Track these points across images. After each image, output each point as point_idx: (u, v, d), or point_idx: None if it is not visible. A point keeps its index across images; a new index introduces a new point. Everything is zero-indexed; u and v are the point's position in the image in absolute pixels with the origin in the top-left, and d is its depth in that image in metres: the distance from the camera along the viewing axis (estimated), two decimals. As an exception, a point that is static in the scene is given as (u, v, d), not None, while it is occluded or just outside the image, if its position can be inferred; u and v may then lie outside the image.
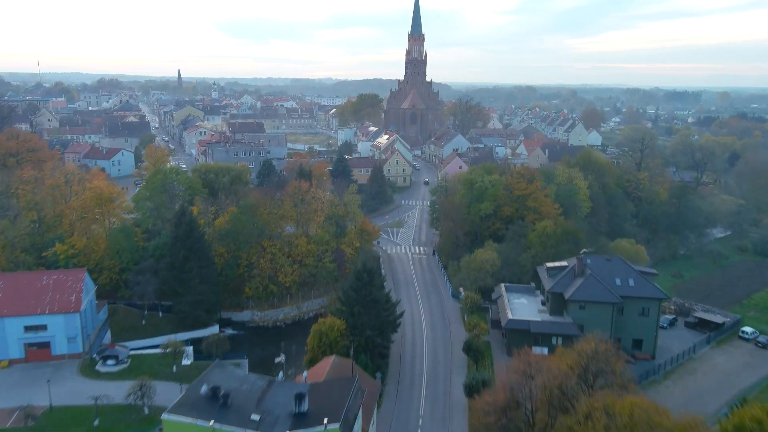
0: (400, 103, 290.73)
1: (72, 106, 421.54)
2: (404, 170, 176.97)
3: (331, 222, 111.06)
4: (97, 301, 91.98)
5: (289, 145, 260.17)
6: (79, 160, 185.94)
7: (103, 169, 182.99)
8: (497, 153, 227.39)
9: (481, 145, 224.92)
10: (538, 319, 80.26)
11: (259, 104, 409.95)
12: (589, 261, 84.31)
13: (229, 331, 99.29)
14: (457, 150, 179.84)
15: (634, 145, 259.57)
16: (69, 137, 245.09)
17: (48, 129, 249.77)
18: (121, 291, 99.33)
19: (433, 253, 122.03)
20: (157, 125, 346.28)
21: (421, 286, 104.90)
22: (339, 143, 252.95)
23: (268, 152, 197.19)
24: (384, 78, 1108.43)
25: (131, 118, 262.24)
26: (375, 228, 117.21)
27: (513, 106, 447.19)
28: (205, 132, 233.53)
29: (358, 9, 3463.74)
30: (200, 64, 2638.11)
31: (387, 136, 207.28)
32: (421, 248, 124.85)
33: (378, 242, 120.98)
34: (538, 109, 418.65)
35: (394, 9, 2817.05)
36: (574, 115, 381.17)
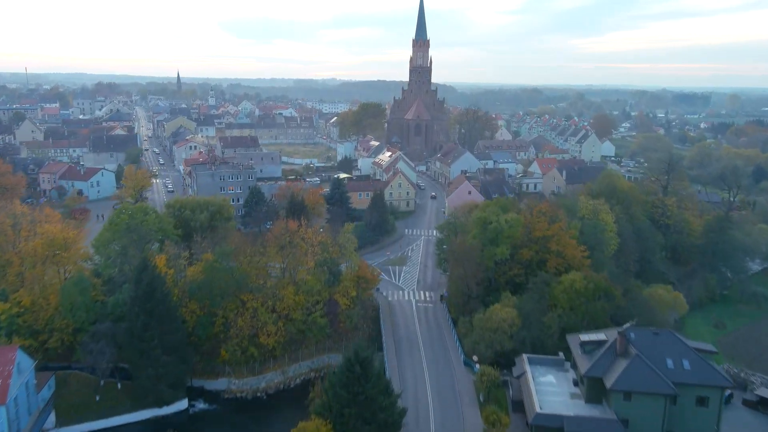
0: (404, 112, 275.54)
1: (65, 112, 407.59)
2: (408, 193, 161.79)
3: (323, 268, 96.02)
4: (40, 373, 77.60)
5: (285, 159, 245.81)
6: (54, 182, 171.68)
7: (80, 192, 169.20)
8: (507, 170, 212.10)
9: (491, 162, 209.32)
10: (572, 413, 64.91)
11: (257, 112, 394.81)
12: (633, 335, 69.01)
13: (201, 406, 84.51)
14: (465, 172, 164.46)
15: (657, 164, 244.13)
16: (51, 152, 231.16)
17: (29, 143, 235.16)
18: (76, 354, 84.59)
19: (441, 299, 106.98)
20: (150, 134, 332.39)
21: (427, 347, 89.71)
22: (339, 157, 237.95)
23: (261, 171, 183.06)
24: (388, 79, 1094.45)
25: (118, 130, 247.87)
26: (374, 273, 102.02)
27: (521, 113, 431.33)
28: (195, 147, 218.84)
29: (362, 9, 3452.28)
30: (203, 64, 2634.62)
31: (389, 153, 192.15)
32: (427, 293, 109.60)
33: (378, 289, 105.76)
34: (547, 116, 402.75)
35: (398, 9, 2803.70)
36: (585, 124, 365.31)
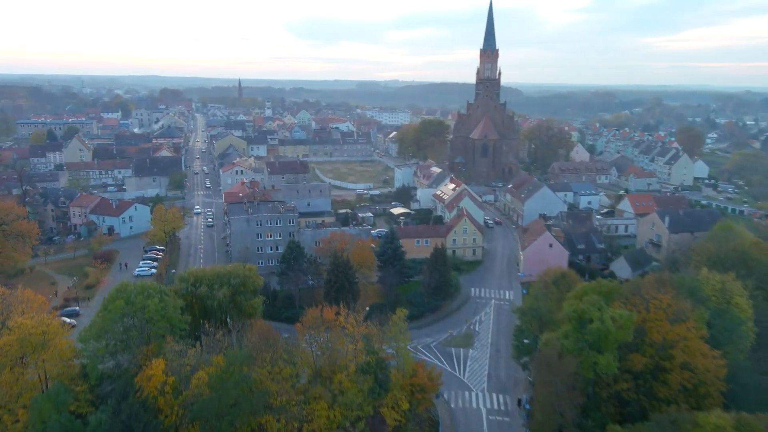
0: (469, 130, 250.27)
1: (125, 122, 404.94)
2: (474, 239, 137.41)
3: (367, 375, 73.76)
4: None
5: (337, 183, 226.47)
6: (85, 216, 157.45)
7: (111, 229, 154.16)
8: (591, 205, 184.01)
9: (570, 195, 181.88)
10: None
11: (313, 125, 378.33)
12: None
13: None
14: (545, 217, 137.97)
15: (762, 191, 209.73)
16: (95, 174, 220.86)
17: (73, 164, 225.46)
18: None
19: (518, 404, 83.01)
20: (204, 149, 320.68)
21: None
22: (396, 183, 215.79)
23: (309, 204, 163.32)
24: (451, 81, 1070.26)
25: (164, 151, 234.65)
26: (434, 377, 78.79)
27: (597, 125, 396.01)
28: (241, 171, 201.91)
29: (428, 8, 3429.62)
30: (269, 66, 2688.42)
31: (453, 186, 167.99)
32: (501, 398, 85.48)
33: (439, 393, 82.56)
34: (627, 129, 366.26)
35: (464, 9, 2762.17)
36: (672, 139, 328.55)
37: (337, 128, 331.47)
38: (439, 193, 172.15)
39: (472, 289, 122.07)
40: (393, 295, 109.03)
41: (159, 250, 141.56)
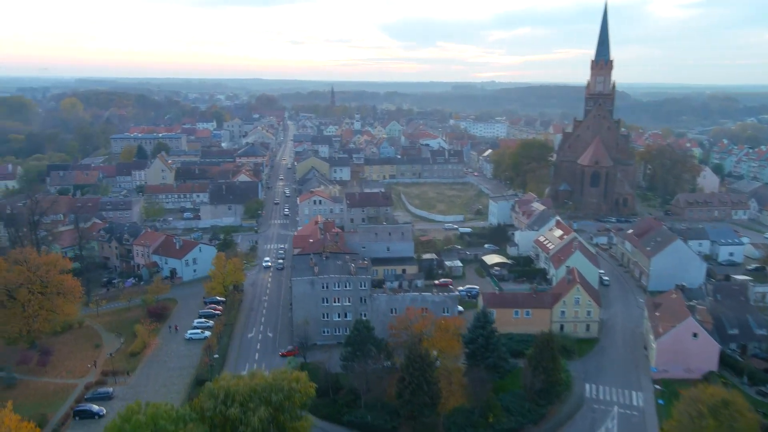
0: (576, 152, 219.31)
1: (217, 132, 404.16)
2: (589, 312, 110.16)
3: None
4: None
5: (424, 214, 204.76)
6: (147, 256, 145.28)
7: (173, 272, 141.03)
8: (731, 256, 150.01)
9: (706, 243, 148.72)
10: None
11: (403, 139, 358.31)
12: None
13: None
14: (683, 290, 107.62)
15: None
16: (172, 197, 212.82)
17: (152, 188, 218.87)
18: None
19: None
20: (289, 167, 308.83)
21: None
22: (490, 217, 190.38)
23: (389, 249, 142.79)
24: (550, 83, 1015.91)
25: (242, 175, 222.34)
26: None
27: (725, 141, 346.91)
28: (319, 201, 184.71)
29: (527, 6, 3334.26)
30: (366, 67, 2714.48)
31: (560, 233, 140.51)
32: None
33: None
34: (764, 148, 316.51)
35: (566, 7, 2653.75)
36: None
37: (427, 145, 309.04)
38: (542, 239, 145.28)
39: (587, 386, 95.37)
40: (484, 398, 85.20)
41: (219, 302, 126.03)
